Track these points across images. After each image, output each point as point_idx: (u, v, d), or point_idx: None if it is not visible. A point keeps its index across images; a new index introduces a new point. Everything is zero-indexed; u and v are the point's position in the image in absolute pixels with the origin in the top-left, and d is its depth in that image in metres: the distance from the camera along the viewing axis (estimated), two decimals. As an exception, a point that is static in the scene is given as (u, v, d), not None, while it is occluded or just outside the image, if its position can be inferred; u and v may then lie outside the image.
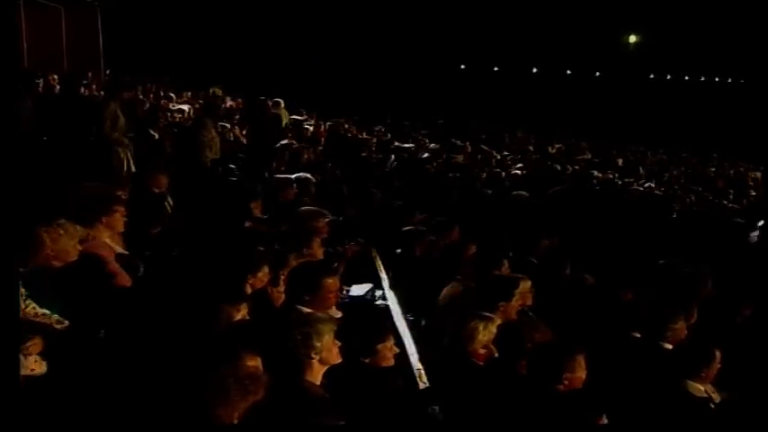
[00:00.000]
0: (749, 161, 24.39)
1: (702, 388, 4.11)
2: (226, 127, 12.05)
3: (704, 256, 6.77)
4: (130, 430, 2.74)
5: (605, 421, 3.36)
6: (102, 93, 11.15)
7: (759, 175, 21.81)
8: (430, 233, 6.23)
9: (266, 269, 4.16)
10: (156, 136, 9.93)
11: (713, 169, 23.06)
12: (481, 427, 3.58)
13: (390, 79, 30.10)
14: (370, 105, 23.13)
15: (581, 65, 36.33)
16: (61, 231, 3.80)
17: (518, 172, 12.81)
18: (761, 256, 7.90)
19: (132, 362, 3.13)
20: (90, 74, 13.69)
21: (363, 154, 12.75)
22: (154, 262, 4.60)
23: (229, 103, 15.89)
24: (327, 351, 3.19)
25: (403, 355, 4.07)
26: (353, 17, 29.81)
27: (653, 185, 16.79)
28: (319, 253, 4.94)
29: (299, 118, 15.43)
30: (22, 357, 2.88)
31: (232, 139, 12.01)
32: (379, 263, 5.99)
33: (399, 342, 4.16)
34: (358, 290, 4.98)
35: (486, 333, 4.03)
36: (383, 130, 18.32)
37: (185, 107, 13.96)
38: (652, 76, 38.16)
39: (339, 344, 3.28)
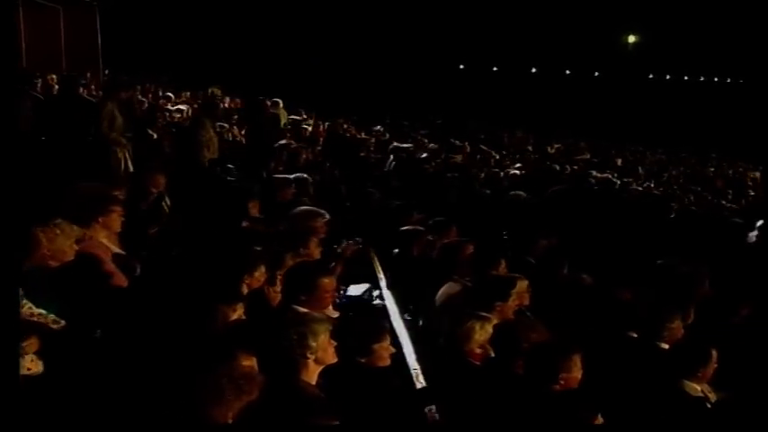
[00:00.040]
0: (748, 161, 24.40)
1: (699, 388, 4.11)
2: (224, 127, 12.04)
3: (703, 255, 6.76)
4: (126, 430, 2.74)
5: (601, 421, 3.36)
6: (100, 93, 11.14)
7: (758, 175, 21.82)
8: (427, 233, 6.23)
9: (263, 269, 4.16)
10: (155, 136, 9.93)
11: (712, 169, 23.06)
12: (477, 427, 3.58)
13: (389, 79, 30.14)
14: (369, 105, 23.12)
15: (580, 65, 36.40)
16: (58, 231, 3.81)
17: (517, 172, 12.78)
18: (759, 255, 7.89)
19: (128, 362, 3.14)
20: (89, 74, 13.69)
21: (362, 154, 12.74)
22: (151, 262, 4.61)
23: (228, 102, 15.88)
24: (323, 351, 3.20)
25: (400, 355, 4.08)
26: (353, 17, 29.82)
27: (652, 185, 16.78)
28: (316, 253, 4.93)
29: (298, 118, 15.43)
30: (17, 357, 2.88)
31: (230, 138, 12.01)
32: (377, 263, 5.98)
33: (396, 342, 4.17)
34: (355, 290, 4.97)
35: (482, 333, 4.03)
36: (382, 130, 18.30)
37: (184, 107, 13.95)
38: (651, 77, 38.22)
39: (335, 343, 3.28)
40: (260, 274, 4.13)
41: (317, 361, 3.20)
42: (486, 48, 34.25)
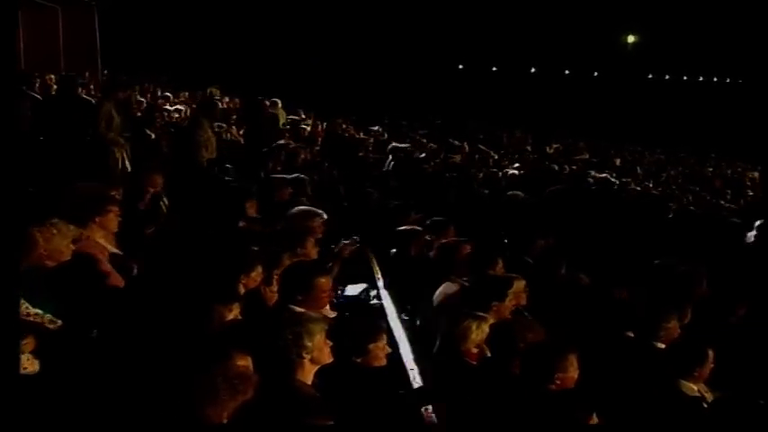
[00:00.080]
0: (747, 161, 24.43)
1: (695, 387, 4.11)
2: (222, 127, 12.02)
3: (701, 255, 6.76)
4: (121, 429, 2.74)
5: (597, 421, 3.36)
6: (99, 93, 11.14)
7: (756, 175, 21.85)
8: (425, 233, 6.23)
9: (260, 269, 4.16)
10: (153, 136, 9.92)
11: (711, 169, 23.07)
12: (474, 426, 3.58)
13: (388, 79, 30.13)
14: (367, 105, 23.12)
15: (579, 65, 36.41)
16: (54, 231, 3.80)
17: (515, 172, 12.77)
18: (757, 255, 7.89)
19: (124, 361, 3.14)
20: (87, 74, 13.68)
21: (360, 154, 12.73)
22: (148, 261, 4.61)
23: (226, 102, 15.87)
24: (319, 350, 3.20)
25: (397, 355, 4.08)
26: (352, 17, 29.83)
27: (650, 185, 16.78)
28: (313, 253, 4.93)
29: (297, 118, 15.41)
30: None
31: (229, 138, 12.00)
32: (375, 263, 5.98)
33: (393, 342, 4.17)
34: (352, 290, 4.98)
35: (478, 333, 4.04)
36: (381, 130, 18.28)
37: (182, 107, 13.94)
38: (650, 77, 38.23)
39: (331, 343, 3.28)
40: (257, 273, 4.13)
41: (312, 361, 3.20)
42: (486, 48, 34.26)
